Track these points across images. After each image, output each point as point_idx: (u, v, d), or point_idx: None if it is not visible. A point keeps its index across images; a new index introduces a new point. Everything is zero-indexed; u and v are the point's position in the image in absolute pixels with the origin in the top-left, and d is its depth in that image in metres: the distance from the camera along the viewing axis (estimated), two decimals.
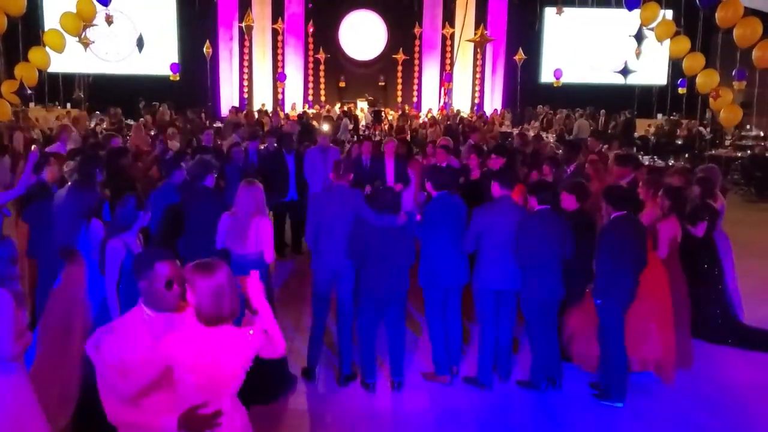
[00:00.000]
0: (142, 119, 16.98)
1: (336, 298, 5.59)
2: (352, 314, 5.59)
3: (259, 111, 21.75)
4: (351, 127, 18.37)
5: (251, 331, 2.85)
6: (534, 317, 5.47)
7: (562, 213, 5.60)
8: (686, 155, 17.33)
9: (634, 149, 16.35)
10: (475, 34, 22.74)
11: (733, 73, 13.38)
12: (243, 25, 20.81)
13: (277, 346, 2.90)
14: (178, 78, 19.59)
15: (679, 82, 17.86)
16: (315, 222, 5.55)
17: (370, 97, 23.16)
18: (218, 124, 16.55)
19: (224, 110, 21.99)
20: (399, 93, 24.94)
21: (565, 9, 19.98)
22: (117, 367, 2.79)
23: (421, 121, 20.20)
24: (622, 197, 5.40)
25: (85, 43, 16.52)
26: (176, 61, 20.85)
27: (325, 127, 14.86)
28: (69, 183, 5.72)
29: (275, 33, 23.55)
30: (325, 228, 5.47)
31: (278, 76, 22.67)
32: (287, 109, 22.45)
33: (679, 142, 18.43)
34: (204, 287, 2.71)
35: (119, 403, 2.82)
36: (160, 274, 2.87)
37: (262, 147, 10.01)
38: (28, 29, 12.32)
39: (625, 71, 17.19)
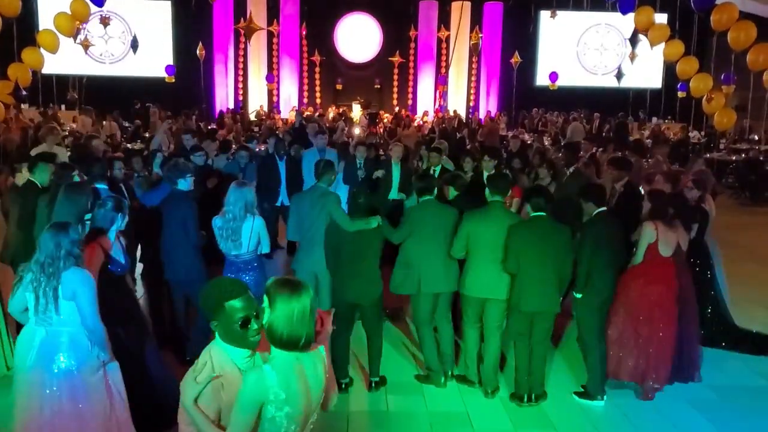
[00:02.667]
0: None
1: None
2: None
3: (258, 113, 21.78)
4: (346, 129, 18.35)
5: (323, 353, 2.71)
6: (520, 329, 5.27)
7: (561, 221, 5.53)
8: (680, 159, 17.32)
9: (627, 152, 16.32)
10: (471, 37, 22.78)
11: (722, 77, 13.41)
12: (245, 27, 20.71)
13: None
14: (173, 80, 19.55)
15: (678, 85, 17.90)
16: (296, 220, 5.58)
17: (362, 100, 23.14)
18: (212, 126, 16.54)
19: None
20: (395, 96, 24.94)
21: (561, 12, 20.01)
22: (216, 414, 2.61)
23: (415, 123, 20.20)
24: (600, 194, 5.43)
25: (86, 46, 16.50)
26: (171, 63, 20.81)
27: (356, 131, 14.65)
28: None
29: (270, 35, 23.53)
30: (304, 228, 5.48)
31: (267, 78, 22.59)
32: (284, 112, 22.46)
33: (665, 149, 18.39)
34: (283, 308, 2.50)
35: None
36: (233, 314, 2.57)
37: (261, 148, 10.00)
38: (23, 30, 12.25)
39: (618, 74, 17.21)
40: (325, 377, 2.69)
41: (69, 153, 9.27)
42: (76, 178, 5.91)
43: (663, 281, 5.43)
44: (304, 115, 17.50)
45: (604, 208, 5.36)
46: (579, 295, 5.27)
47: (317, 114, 20.99)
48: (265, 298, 2.57)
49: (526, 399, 5.32)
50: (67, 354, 3.69)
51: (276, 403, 2.48)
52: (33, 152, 7.81)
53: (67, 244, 3.68)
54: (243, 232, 5.21)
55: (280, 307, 2.50)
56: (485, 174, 7.38)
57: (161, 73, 19.85)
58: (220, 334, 2.63)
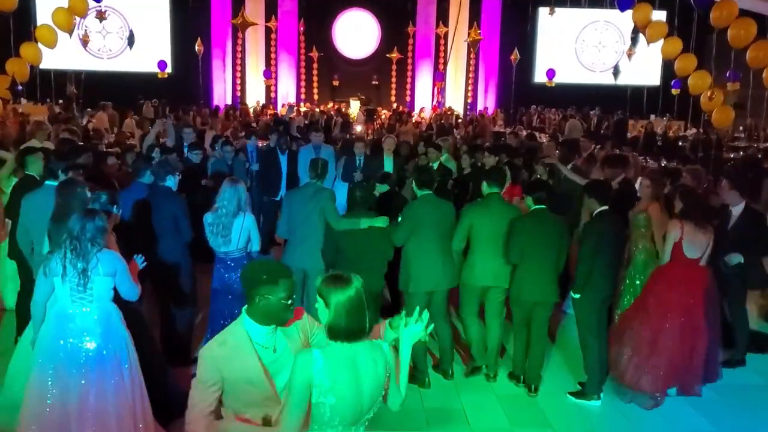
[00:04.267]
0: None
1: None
2: None
3: (254, 108, 21.75)
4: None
5: (386, 349, 2.71)
6: (520, 317, 5.43)
7: (559, 214, 5.55)
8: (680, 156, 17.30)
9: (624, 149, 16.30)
10: (469, 33, 22.73)
11: (727, 74, 13.38)
12: (242, 23, 20.63)
13: None
14: (166, 75, 19.51)
15: (672, 83, 17.87)
16: (286, 218, 5.57)
17: (362, 96, 23.09)
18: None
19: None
20: (393, 92, 24.90)
21: (559, 9, 19.97)
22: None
23: (414, 120, 20.16)
24: (605, 192, 5.39)
25: (86, 41, 16.44)
26: (169, 58, 20.77)
27: (359, 128, 14.63)
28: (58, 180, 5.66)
29: (268, 31, 23.49)
30: (293, 226, 5.45)
31: (264, 73, 22.54)
32: (279, 107, 22.43)
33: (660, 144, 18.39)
34: (339, 301, 2.57)
35: None
36: (283, 291, 2.74)
37: (263, 144, 9.94)
38: (20, 25, 12.21)
39: (615, 71, 17.18)
40: (386, 375, 2.69)
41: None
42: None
43: (688, 284, 5.24)
44: (301, 112, 17.46)
45: (606, 207, 5.27)
46: (577, 296, 5.22)
47: (318, 110, 20.93)
48: (319, 300, 2.64)
49: (522, 379, 5.50)
50: (96, 334, 3.87)
51: (320, 389, 2.51)
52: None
53: (92, 229, 3.86)
54: (233, 228, 5.19)
55: (336, 303, 2.57)
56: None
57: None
58: (256, 312, 2.74)
